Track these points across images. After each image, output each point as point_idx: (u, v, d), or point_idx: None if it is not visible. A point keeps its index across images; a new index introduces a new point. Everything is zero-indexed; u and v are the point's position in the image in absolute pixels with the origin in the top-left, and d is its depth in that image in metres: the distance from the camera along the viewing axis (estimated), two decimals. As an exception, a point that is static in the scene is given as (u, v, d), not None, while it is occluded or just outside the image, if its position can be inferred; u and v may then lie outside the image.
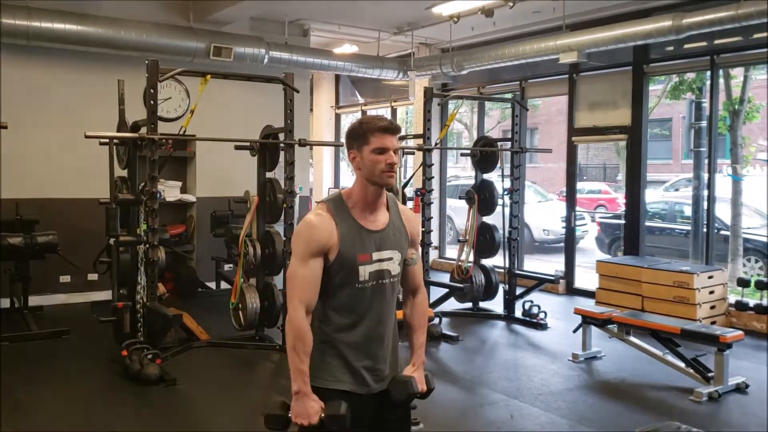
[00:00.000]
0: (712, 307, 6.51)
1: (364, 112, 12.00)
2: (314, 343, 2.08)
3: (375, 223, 2.12)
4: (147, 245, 5.23)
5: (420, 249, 2.46)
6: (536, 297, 7.15)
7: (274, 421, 2.06)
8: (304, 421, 1.99)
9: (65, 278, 7.31)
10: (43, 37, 6.76)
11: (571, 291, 8.33)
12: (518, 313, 6.91)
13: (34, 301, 6.67)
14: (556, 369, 5.33)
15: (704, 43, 7.01)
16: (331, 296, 2.07)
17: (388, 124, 2.09)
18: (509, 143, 7.23)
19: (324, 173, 12.19)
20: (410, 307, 2.30)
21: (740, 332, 4.90)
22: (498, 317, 7.03)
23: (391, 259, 2.12)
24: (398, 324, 2.24)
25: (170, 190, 7.88)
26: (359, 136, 2.09)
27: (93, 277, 7.17)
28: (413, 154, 7.83)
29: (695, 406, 4.51)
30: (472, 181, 7.51)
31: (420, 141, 6.68)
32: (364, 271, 2.06)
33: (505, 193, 7.08)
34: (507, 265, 7.06)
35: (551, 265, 9.76)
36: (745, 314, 6.53)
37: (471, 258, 7.06)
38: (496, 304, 7.22)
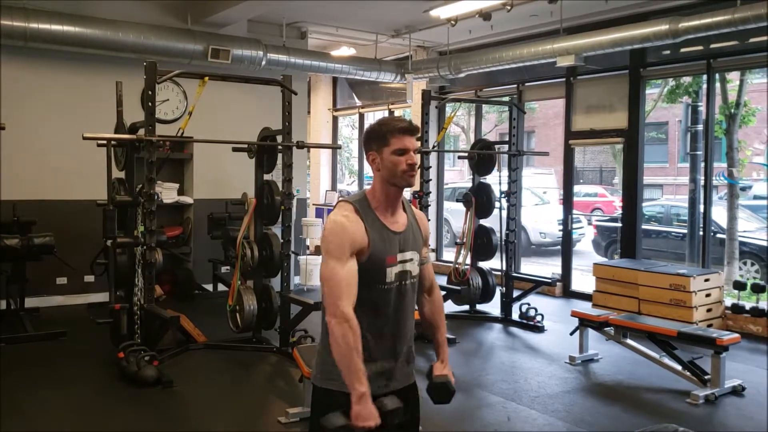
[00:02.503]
0: (709, 310, 6.52)
1: (361, 115, 12.02)
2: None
3: (397, 224, 2.11)
4: (144, 247, 5.23)
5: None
6: (533, 299, 7.16)
7: None
8: (371, 423, 1.90)
9: (62, 280, 7.30)
10: (41, 38, 6.75)
11: (568, 294, 8.34)
12: (515, 316, 6.92)
13: (30, 302, 6.66)
14: (553, 371, 5.34)
15: (701, 47, 7.04)
16: (360, 298, 2.02)
17: (407, 124, 2.06)
18: (506, 146, 7.25)
19: (321, 175, 12.19)
20: (428, 305, 2.31)
21: (736, 335, 4.91)
22: (495, 320, 7.03)
23: (412, 260, 2.12)
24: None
25: (167, 192, 7.87)
26: (379, 137, 2.06)
27: (90, 278, 7.16)
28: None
29: (692, 408, 4.52)
30: (468, 184, 7.53)
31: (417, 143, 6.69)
32: (391, 273, 2.06)
33: (503, 195, 7.09)
34: (504, 268, 7.07)
35: (548, 267, 9.77)
36: (741, 317, 6.55)
37: (468, 261, 7.07)
38: (493, 307, 7.23)
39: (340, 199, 2.14)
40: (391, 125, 2.05)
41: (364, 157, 2.16)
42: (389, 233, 2.07)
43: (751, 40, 6.57)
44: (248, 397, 4.74)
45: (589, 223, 12.94)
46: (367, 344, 2.04)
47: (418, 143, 2.17)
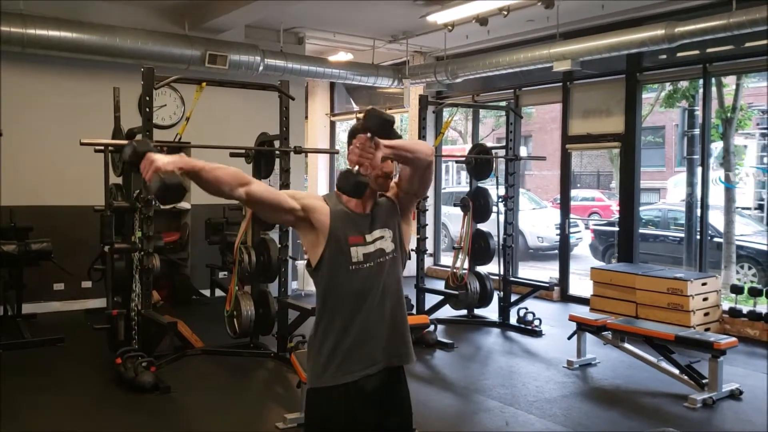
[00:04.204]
0: (706, 314, 6.53)
1: (358, 120, 12.02)
2: (320, 343, 2.11)
3: (365, 207, 2.18)
4: (142, 253, 5.23)
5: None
6: (531, 304, 7.15)
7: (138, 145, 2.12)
8: (152, 165, 1.91)
9: (59, 286, 7.28)
10: (39, 44, 6.75)
11: (566, 298, 8.34)
12: (513, 320, 6.93)
13: (27, 308, 6.63)
14: (551, 376, 5.34)
15: (697, 52, 7.06)
16: (332, 284, 2.10)
17: None
18: (504, 151, 7.26)
19: (319, 181, 12.19)
20: None
21: (734, 339, 4.92)
22: (493, 324, 7.03)
23: (383, 237, 2.16)
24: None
25: (165, 198, 7.85)
26: (352, 136, 2.14)
27: (87, 284, 7.14)
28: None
29: (689, 412, 4.52)
30: (465, 188, 7.53)
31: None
32: (357, 253, 2.10)
33: (500, 200, 7.10)
34: (502, 272, 7.07)
35: (546, 272, 9.79)
36: (739, 321, 6.56)
37: (466, 265, 7.07)
38: (491, 311, 7.23)
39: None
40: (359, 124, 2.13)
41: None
42: (354, 215, 2.14)
43: (747, 44, 6.60)
44: (246, 403, 4.73)
45: (587, 228, 12.96)
46: (346, 330, 2.07)
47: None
